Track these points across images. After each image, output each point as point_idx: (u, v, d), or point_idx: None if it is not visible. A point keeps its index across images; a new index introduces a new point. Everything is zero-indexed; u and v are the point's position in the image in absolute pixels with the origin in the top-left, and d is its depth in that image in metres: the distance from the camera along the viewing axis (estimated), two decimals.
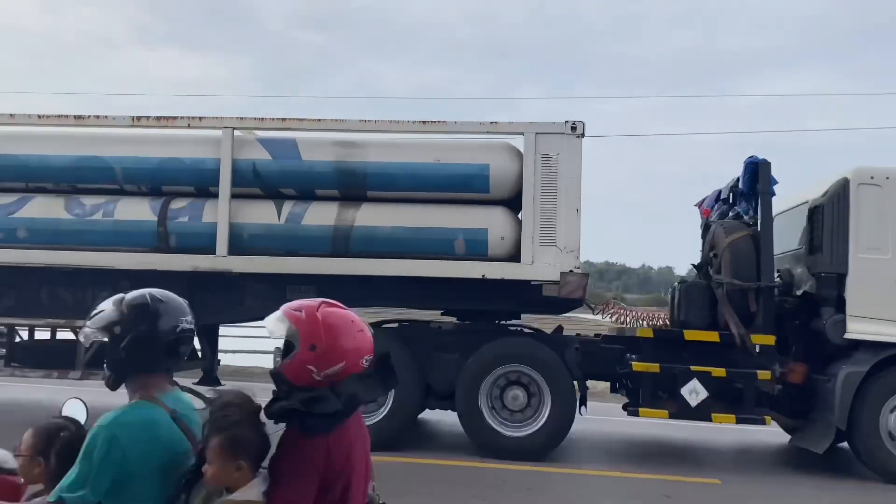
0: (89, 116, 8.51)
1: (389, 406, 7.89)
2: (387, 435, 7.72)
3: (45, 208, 8.32)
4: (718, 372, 7.54)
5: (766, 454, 9.48)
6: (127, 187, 8.45)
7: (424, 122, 8.23)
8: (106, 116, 8.40)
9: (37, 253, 8.21)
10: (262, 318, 8.69)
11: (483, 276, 7.85)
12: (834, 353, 7.80)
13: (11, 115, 8.75)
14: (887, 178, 7.77)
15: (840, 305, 7.67)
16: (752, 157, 8.46)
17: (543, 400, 7.86)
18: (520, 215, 8.17)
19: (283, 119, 8.27)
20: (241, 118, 8.33)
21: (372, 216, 8.10)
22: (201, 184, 8.29)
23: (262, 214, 8.15)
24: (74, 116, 8.61)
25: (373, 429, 7.36)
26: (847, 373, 7.43)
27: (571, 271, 7.73)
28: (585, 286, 8.09)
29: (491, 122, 8.28)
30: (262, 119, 8.37)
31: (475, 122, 8.38)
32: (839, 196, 7.80)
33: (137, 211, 8.23)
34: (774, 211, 8.57)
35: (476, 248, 7.96)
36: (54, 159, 8.34)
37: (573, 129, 7.94)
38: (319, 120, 8.33)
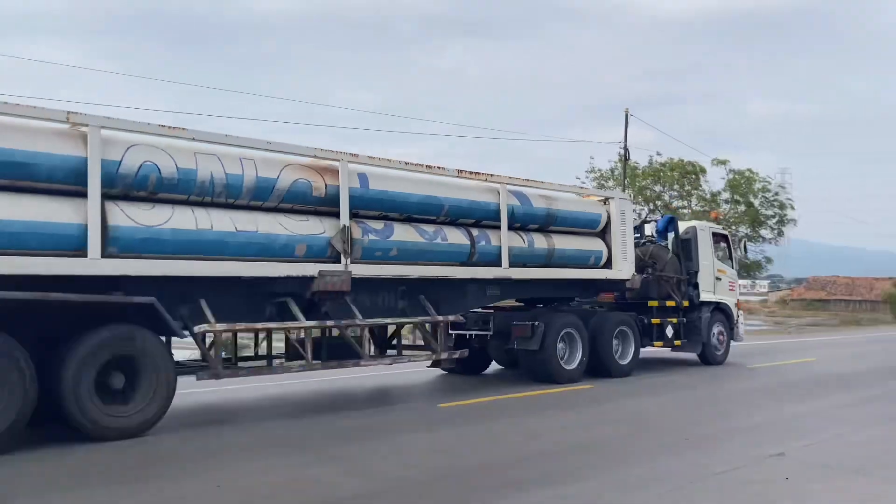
0: (434, 167, 11.25)
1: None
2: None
3: (405, 234, 11.20)
4: (675, 320, 15.68)
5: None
6: (440, 219, 11.80)
7: (582, 188, 13.41)
8: (443, 168, 11.56)
9: (402, 268, 10.93)
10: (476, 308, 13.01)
11: (605, 277, 14.33)
12: (693, 308, 16.25)
13: (389, 160, 10.48)
14: (706, 228, 16.76)
15: (696, 285, 16.45)
16: (668, 214, 16.01)
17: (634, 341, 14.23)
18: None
19: (527, 179, 13.26)
20: (510, 177, 12.90)
21: (560, 242, 13.63)
22: (479, 218, 12.34)
23: (516, 240, 12.81)
24: (426, 166, 10.76)
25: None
26: (706, 315, 16.37)
27: (634, 274, 14.75)
28: (640, 281, 14.48)
29: (609, 189, 13.96)
30: (515, 178, 12.75)
31: (600, 190, 13.92)
32: (694, 234, 16.66)
33: (457, 236, 11.93)
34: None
35: (598, 262, 14.33)
36: (411, 196, 11.18)
37: (630, 195, 14.34)
38: (541, 182, 13.18)
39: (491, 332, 13.07)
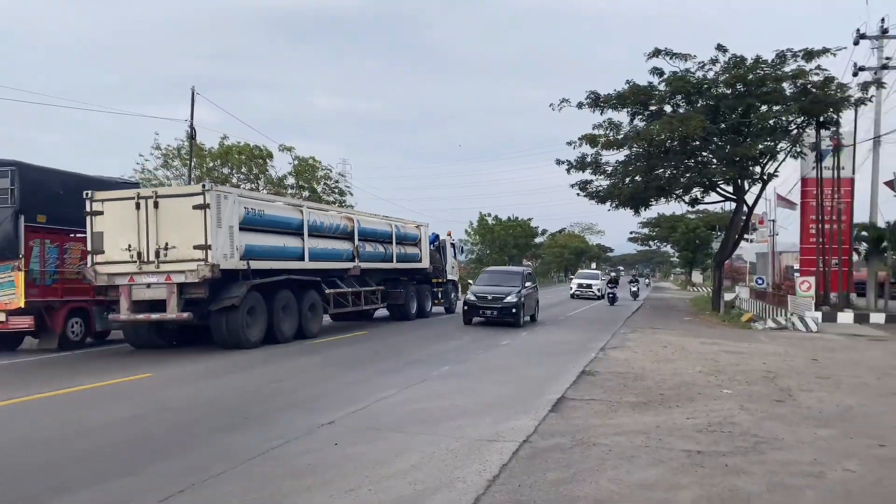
0: (375, 214, 22.15)
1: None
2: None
3: (368, 247, 19.66)
4: (441, 290, 25.41)
5: None
6: (376, 239, 20.23)
7: (418, 226, 23.95)
8: (377, 215, 21.99)
9: (369, 264, 19.95)
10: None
11: (423, 268, 23.26)
12: (444, 283, 25.45)
13: (367, 212, 21.85)
14: (448, 239, 26.72)
15: (445, 271, 25.43)
16: (435, 233, 24.82)
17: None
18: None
19: (398, 218, 22.91)
20: (398, 218, 23.45)
21: (407, 249, 22.43)
22: (385, 238, 20.99)
23: (397, 249, 21.74)
24: (373, 215, 21.93)
25: None
26: (450, 287, 26.25)
27: (430, 265, 23.81)
28: (432, 269, 23.49)
29: (425, 223, 23.94)
30: (399, 218, 23.16)
31: (419, 221, 24.16)
32: (446, 243, 25.53)
33: (380, 248, 20.60)
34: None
35: (418, 259, 22.98)
36: (368, 229, 20.01)
37: (427, 226, 23.75)
38: (403, 219, 23.07)
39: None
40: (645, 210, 28.95)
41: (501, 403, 8.54)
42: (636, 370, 11.26)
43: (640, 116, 24.93)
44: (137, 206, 13.34)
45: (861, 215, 27.19)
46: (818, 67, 22.48)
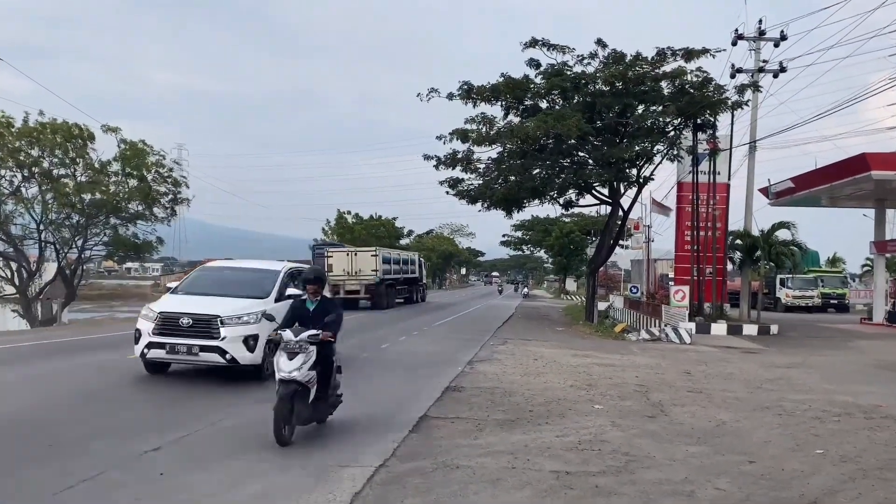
0: (393, 250, 41.77)
1: None
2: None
3: (405, 266, 44.21)
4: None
5: None
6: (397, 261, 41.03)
7: (415, 253, 37.50)
8: (395, 249, 37.53)
9: (404, 275, 43.27)
10: None
11: (418, 277, 46.92)
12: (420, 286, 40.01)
13: (394, 248, 33.60)
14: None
15: (423, 278, 36.91)
16: (420, 258, 36.61)
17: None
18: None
19: (405, 250, 32.64)
20: (406, 250, 38.40)
21: (412, 267, 44.80)
22: (409, 262, 45.20)
23: (412, 267, 43.65)
24: (391, 248, 40.01)
25: None
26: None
27: (419, 275, 38.28)
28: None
29: (417, 252, 35.27)
30: (405, 250, 38.15)
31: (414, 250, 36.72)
32: (422, 262, 36.64)
33: (398, 268, 42.94)
34: None
35: (416, 272, 45.78)
36: (393, 255, 42.86)
37: (419, 254, 36.23)
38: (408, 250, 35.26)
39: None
40: (518, 212, 29.03)
41: (357, 423, 8.44)
42: (505, 385, 11.45)
43: (515, 111, 25.03)
44: (347, 254, 36.81)
45: (735, 222, 28.66)
46: (698, 69, 23.37)
